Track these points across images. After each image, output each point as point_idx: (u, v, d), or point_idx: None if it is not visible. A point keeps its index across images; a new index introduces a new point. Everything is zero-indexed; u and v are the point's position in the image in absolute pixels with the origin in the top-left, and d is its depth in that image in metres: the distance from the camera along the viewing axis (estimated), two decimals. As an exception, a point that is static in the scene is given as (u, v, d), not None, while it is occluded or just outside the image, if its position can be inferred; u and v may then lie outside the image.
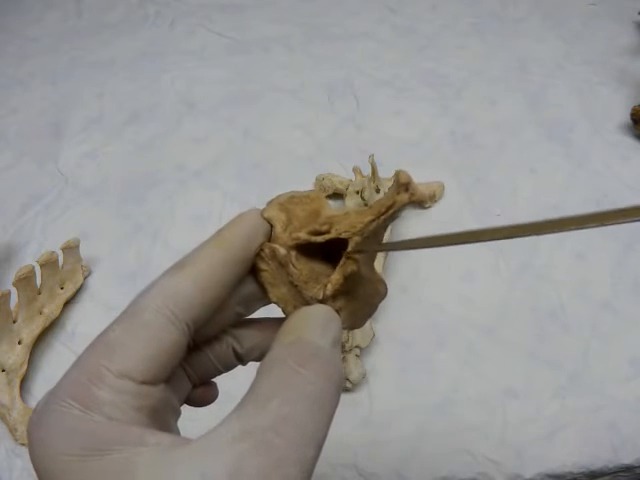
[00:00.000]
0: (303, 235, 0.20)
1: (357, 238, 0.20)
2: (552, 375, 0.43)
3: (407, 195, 0.19)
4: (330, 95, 0.64)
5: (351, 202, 0.49)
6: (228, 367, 0.22)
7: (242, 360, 0.22)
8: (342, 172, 0.55)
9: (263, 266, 0.21)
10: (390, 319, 0.46)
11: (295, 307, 0.21)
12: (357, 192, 0.49)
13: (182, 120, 0.62)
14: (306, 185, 0.55)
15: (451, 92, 0.64)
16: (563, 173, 0.56)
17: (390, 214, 0.19)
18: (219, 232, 0.20)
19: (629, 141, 0.59)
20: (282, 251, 0.20)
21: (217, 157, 0.59)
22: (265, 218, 0.21)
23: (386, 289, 0.22)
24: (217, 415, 0.17)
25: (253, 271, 0.21)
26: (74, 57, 0.70)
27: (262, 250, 0.20)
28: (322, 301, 0.20)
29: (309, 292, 0.20)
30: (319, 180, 0.54)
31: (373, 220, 0.19)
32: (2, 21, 0.76)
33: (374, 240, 0.20)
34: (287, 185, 0.55)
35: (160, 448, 0.15)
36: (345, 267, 0.20)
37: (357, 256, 0.20)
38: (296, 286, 0.20)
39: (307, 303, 0.20)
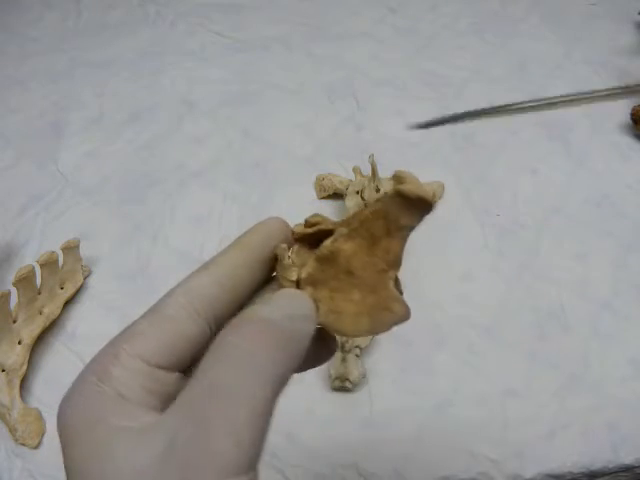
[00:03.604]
0: (298, 229, 0.21)
1: (343, 229, 0.20)
2: (552, 375, 0.43)
3: (396, 186, 0.19)
4: (330, 95, 0.64)
5: (351, 202, 0.49)
6: None
7: None
8: (342, 172, 0.55)
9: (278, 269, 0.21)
10: (390, 319, 0.46)
11: None
12: (357, 192, 0.49)
13: (182, 120, 0.62)
14: (306, 185, 0.55)
15: (451, 92, 0.64)
16: (563, 173, 0.56)
17: (380, 207, 0.20)
18: (240, 237, 0.21)
19: (629, 141, 0.59)
20: (282, 245, 0.20)
21: (217, 157, 0.59)
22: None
23: (403, 312, 0.20)
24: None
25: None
26: (74, 57, 0.70)
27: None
28: (298, 284, 0.20)
29: (287, 274, 0.20)
30: (319, 180, 0.54)
31: (360, 211, 0.20)
32: (2, 21, 0.76)
33: (383, 250, 0.20)
34: (287, 185, 0.56)
35: (135, 427, 0.16)
36: (320, 250, 0.20)
37: (336, 244, 0.20)
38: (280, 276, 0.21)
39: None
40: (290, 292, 0.20)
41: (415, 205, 0.19)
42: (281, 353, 0.17)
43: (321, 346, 0.21)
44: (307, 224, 0.21)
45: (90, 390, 0.17)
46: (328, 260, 0.20)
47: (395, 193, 0.19)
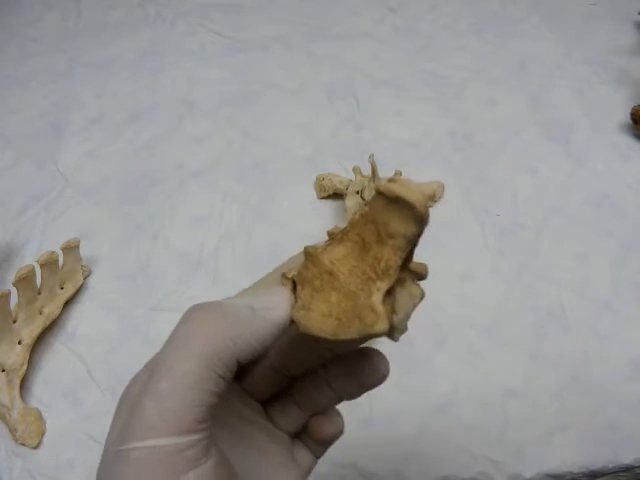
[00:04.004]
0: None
1: (338, 235, 0.20)
2: (552, 375, 0.43)
3: (377, 185, 0.19)
4: (330, 95, 0.64)
5: (351, 202, 0.49)
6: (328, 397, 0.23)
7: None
8: (342, 172, 0.55)
9: None
10: (390, 319, 0.46)
11: None
12: (357, 192, 0.49)
13: (182, 120, 0.62)
14: (306, 185, 0.55)
15: (451, 92, 0.64)
16: (563, 173, 0.56)
17: (367, 210, 0.19)
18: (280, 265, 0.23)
19: (629, 141, 0.59)
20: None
21: (217, 157, 0.59)
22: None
23: (375, 324, 0.19)
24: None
25: None
26: (74, 57, 0.70)
27: None
28: (294, 283, 0.21)
29: (286, 273, 0.21)
30: (319, 180, 0.54)
31: (354, 215, 0.20)
32: (2, 21, 0.76)
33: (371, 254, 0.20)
34: (287, 185, 0.56)
35: None
36: (306, 249, 0.21)
37: (329, 246, 0.20)
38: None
39: None
40: (272, 288, 0.21)
41: (400, 208, 0.18)
42: (222, 333, 0.18)
43: (373, 372, 0.23)
44: (328, 235, 0.21)
45: (138, 377, 0.20)
46: (312, 260, 0.20)
47: (376, 192, 0.19)
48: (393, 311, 0.19)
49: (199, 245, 0.51)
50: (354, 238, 0.20)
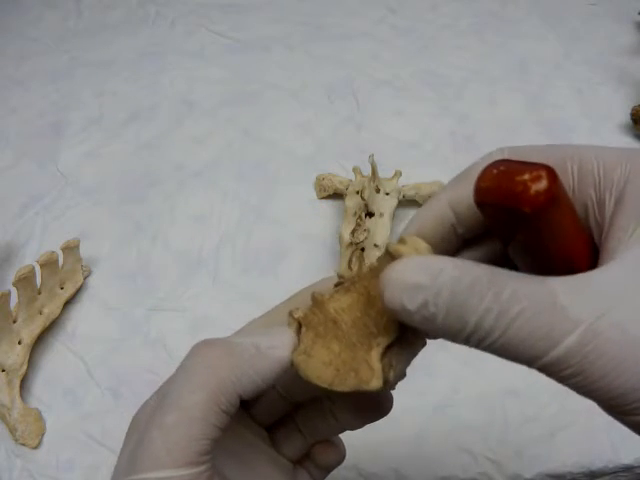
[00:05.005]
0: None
1: (347, 283, 0.21)
2: (552, 375, 0.43)
3: (388, 245, 0.19)
4: (330, 95, 0.64)
5: (351, 202, 0.49)
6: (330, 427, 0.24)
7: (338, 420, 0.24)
8: (342, 172, 0.55)
9: None
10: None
11: None
12: (357, 192, 0.49)
13: (182, 120, 0.62)
14: (306, 185, 0.55)
15: (451, 92, 0.64)
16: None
17: (376, 265, 0.20)
18: (291, 296, 0.24)
19: (629, 141, 0.59)
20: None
21: (217, 157, 0.59)
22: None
23: (369, 380, 0.19)
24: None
25: None
26: (74, 57, 0.70)
27: None
28: (300, 325, 0.21)
29: (292, 312, 0.21)
30: (319, 180, 0.54)
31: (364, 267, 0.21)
32: (2, 21, 0.76)
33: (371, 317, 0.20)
34: (287, 185, 0.56)
35: None
36: (314, 295, 0.21)
37: (336, 294, 0.21)
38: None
39: None
40: (279, 327, 0.21)
41: None
42: (227, 369, 0.19)
43: (377, 407, 0.23)
44: (338, 276, 0.22)
45: (148, 403, 0.21)
46: (318, 306, 0.21)
47: (385, 251, 0.19)
48: (390, 365, 0.20)
49: (199, 245, 0.51)
50: (361, 290, 0.20)
